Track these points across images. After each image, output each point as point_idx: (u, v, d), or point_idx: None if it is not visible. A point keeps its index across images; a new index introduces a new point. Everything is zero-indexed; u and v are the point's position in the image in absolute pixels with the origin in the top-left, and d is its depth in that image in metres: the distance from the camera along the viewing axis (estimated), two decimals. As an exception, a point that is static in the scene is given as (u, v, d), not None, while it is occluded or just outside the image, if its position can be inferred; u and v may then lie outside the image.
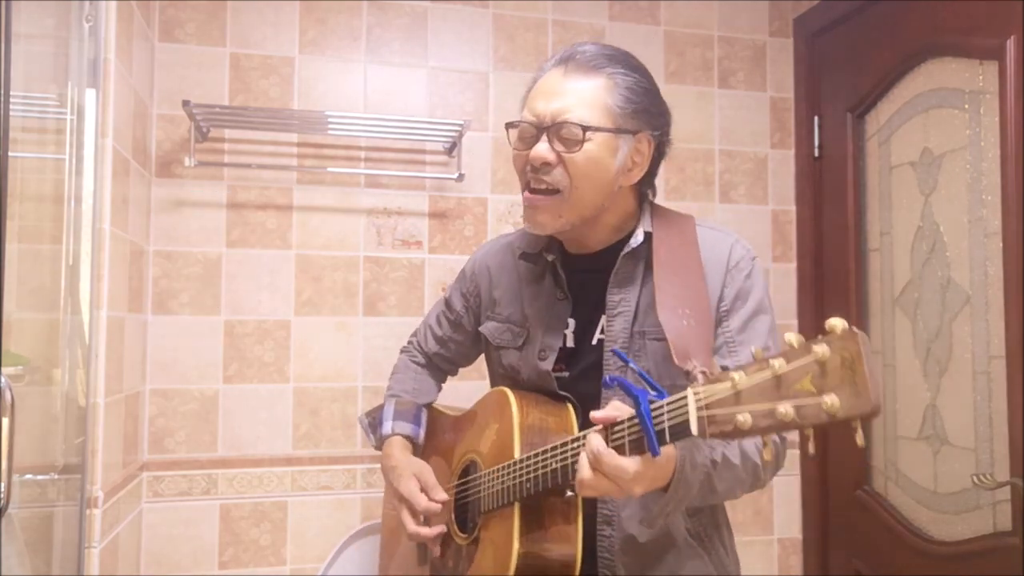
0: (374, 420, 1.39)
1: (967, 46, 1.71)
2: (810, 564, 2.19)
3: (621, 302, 1.12)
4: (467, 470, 1.24)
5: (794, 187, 2.29)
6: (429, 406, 1.43)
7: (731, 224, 2.23)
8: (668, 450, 0.89)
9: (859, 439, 0.68)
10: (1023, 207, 1.55)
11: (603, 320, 1.13)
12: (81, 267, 1.46)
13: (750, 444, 1.01)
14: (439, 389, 1.48)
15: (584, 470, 0.89)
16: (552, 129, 1.05)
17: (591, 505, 1.08)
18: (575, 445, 0.97)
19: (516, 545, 1.04)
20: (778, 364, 0.70)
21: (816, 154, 2.22)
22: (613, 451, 0.87)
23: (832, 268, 2.14)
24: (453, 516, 1.24)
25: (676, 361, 0.96)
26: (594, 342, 1.14)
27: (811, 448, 0.73)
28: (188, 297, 1.92)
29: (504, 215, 2.11)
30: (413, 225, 2.06)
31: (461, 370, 1.51)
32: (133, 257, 1.74)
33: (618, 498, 0.90)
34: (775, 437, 1.04)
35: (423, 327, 1.47)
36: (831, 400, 0.66)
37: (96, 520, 1.45)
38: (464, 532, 1.20)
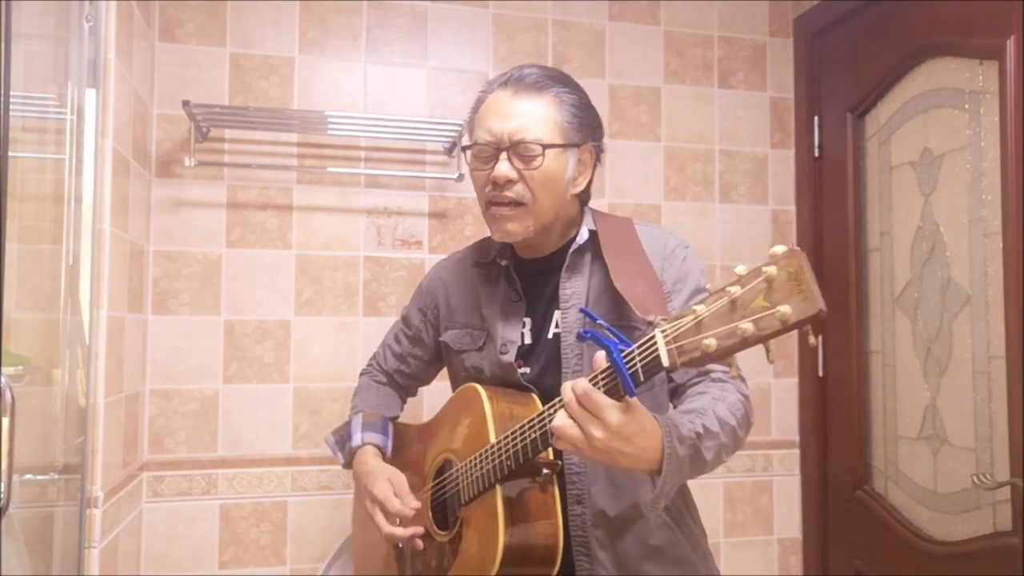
0: (341, 437, 1.41)
1: (967, 46, 1.71)
2: (810, 564, 2.19)
3: (573, 295, 1.20)
4: (441, 469, 1.27)
5: (794, 187, 2.29)
6: (394, 420, 1.46)
7: (731, 224, 2.24)
8: (645, 420, 0.92)
9: (811, 340, 0.75)
10: (1023, 207, 1.55)
11: (557, 314, 1.21)
12: (81, 267, 1.45)
13: (723, 408, 1.06)
14: (402, 406, 1.51)
15: (559, 416, 0.92)
16: (511, 148, 1.13)
17: (561, 487, 1.13)
18: (551, 411, 1.00)
19: (501, 533, 1.07)
20: (733, 290, 0.78)
21: (816, 154, 2.22)
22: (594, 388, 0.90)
23: (832, 268, 2.14)
24: (431, 516, 1.26)
25: (639, 314, 1.06)
26: (550, 335, 1.21)
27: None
28: (188, 297, 1.92)
29: (504, 215, 2.11)
30: (413, 225, 2.06)
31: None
32: (133, 257, 1.74)
33: (587, 454, 0.91)
34: (740, 392, 1.12)
35: (381, 348, 1.52)
36: (784, 309, 0.73)
37: (96, 520, 1.45)
38: (444, 530, 1.23)
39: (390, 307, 2.03)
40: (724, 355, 0.79)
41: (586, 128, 1.18)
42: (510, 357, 1.21)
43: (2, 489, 1.00)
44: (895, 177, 1.95)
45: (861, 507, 2.00)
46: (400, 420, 1.49)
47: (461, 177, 1.99)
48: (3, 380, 1.00)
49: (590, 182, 1.23)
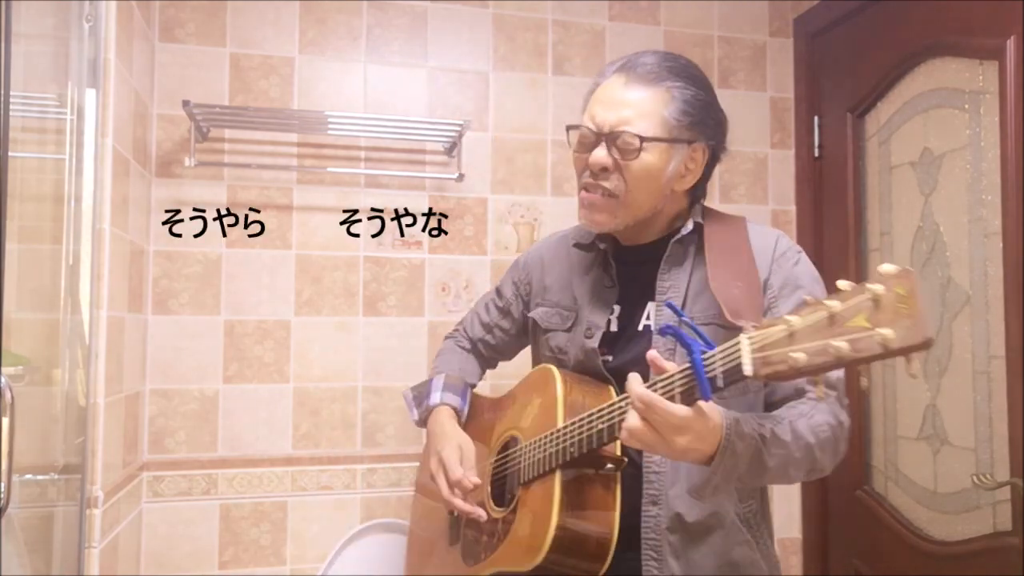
0: (420, 393, 1.43)
1: (967, 46, 1.71)
2: (810, 564, 2.19)
3: (671, 288, 1.15)
4: (506, 446, 1.26)
5: (794, 187, 2.29)
6: (473, 387, 1.46)
7: (731, 224, 2.23)
8: (714, 415, 0.90)
9: (913, 368, 0.69)
10: (1023, 207, 1.55)
11: (650, 306, 1.16)
12: (81, 267, 1.45)
13: (804, 424, 1.01)
14: (481, 376, 1.51)
15: (632, 417, 0.89)
16: (610, 137, 1.10)
17: (636, 485, 1.09)
18: (623, 404, 0.97)
19: (555, 517, 1.05)
20: (833, 304, 0.72)
21: (816, 154, 2.22)
22: (662, 397, 0.88)
23: (832, 268, 2.13)
24: (490, 491, 1.25)
25: (729, 318, 1.00)
26: (640, 327, 1.17)
27: (864, 381, 0.74)
28: (188, 297, 1.92)
29: (504, 215, 2.11)
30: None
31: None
32: (133, 257, 1.74)
33: (659, 452, 0.91)
34: (835, 416, 1.05)
35: (470, 315, 1.52)
36: (886, 332, 0.67)
37: (96, 520, 1.45)
38: (500, 507, 1.22)
39: (390, 307, 2.03)
40: (813, 372, 0.74)
41: (698, 126, 1.12)
42: (594, 342, 1.18)
43: (2, 489, 1.00)
44: (895, 177, 1.95)
45: (861, 507, 2.00)
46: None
47: (461, 177, 1.99)
48: (3, 380, 1.00)
49: (703, 180, 1.19)
